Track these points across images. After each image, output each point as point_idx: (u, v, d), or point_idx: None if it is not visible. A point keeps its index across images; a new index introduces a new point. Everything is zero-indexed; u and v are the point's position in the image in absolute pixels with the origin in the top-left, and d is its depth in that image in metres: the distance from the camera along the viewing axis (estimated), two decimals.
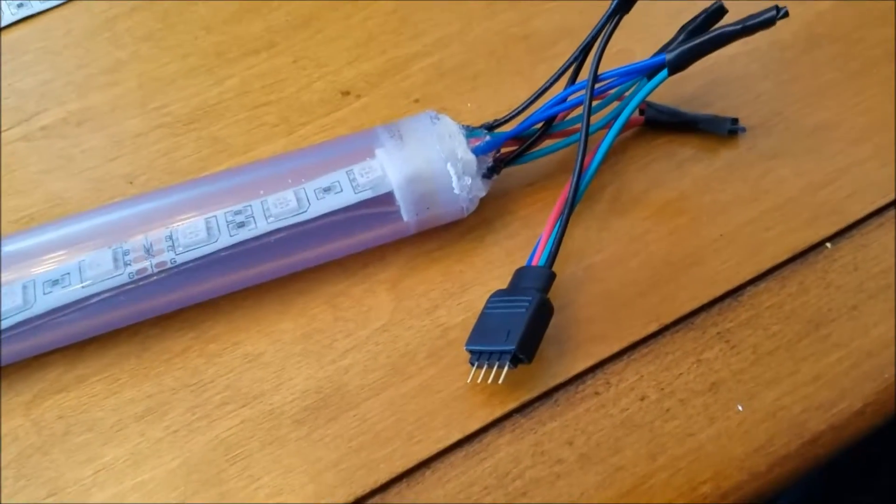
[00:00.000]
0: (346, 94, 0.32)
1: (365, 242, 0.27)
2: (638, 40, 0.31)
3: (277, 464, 0.24)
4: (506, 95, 0.31)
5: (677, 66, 0.26)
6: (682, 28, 0.28)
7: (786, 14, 0.24)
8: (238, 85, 0.33)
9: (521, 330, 0.24)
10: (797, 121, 0.30)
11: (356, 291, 0.27)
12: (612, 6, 0.26)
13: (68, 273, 0.25)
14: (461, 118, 0.31)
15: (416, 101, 0.32)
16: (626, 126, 0.30)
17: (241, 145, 0.31)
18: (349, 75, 0.33)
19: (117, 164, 0.31)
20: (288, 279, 0.27)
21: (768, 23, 0.24)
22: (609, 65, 0.27)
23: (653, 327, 0.26)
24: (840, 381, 0.25)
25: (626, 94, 0.27)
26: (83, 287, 0.25)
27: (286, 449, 0.24)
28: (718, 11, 0.27)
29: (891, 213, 0.28)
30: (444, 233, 0.28)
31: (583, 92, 0.26)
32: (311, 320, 0.27)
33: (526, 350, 0.24)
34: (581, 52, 0.27)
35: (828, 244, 0.27)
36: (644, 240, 0.28)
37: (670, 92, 0.30)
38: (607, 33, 0.26)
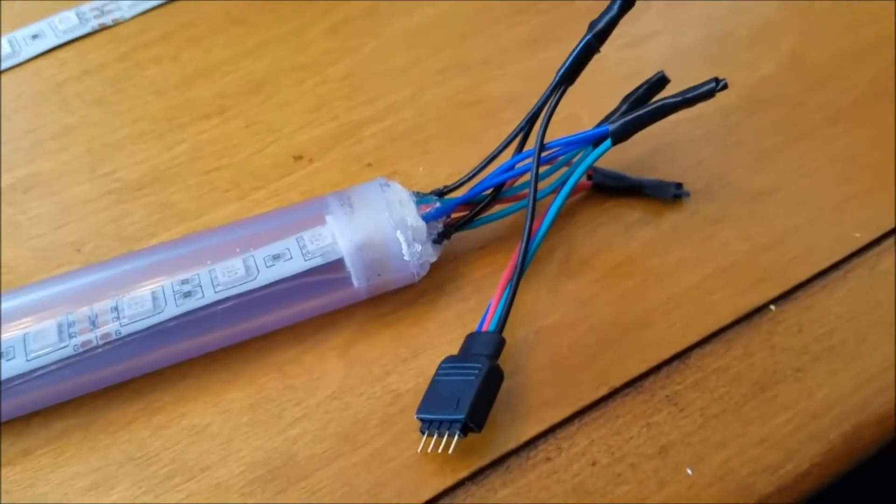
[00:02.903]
0: (298, 158, 0.33)
1: (315, 309, 0.27)
2: (584, 106, 0.31)
3: None
4: (457, 159, 0.31)
5: (620, 136, 0.26)
6: (626, 98, 0.29)
7: (725, 86, 0.25)
8: (189, 150, 0.33)
9: (470, 398, 0.24)
10: (740, 185, 0.31)
11: (307, 358, 0.27)
12: (556, 78, 0.27)
13: (13, 346, 0.25)
14: (413, 182, 0.31)
15: (369, 165, 0.32)
16: (575, 191, 0.30)
17: (192, 210, 0.31)
18: (302, 140, 0.33)
19: (65, 231, 0.31)
20: (237, 347, 0.27)
21: (708, 94, 0.25)
22: (557, 130, 0.28)
23: (603, 391, 0.26)
24: (786, 443, 0.25)
25: (574, 159, 0.28)
26: (28, 360, 0.24)
27: None
28: (660, 82, 0.28)
29: (834, 274, 0.29)
30: (396, 296, 0.28)
31: (530, 160, 0.27)
32: (260, 389, 0.26)
33: (475, 419, 0.24)
34: (528, 121, 0.27)
35: (772, 306, 0.28)
36: (593, 303, 0.28)
37: (617, 157, 0.31)
38: (553, 104, 0.27)
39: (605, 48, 0.35)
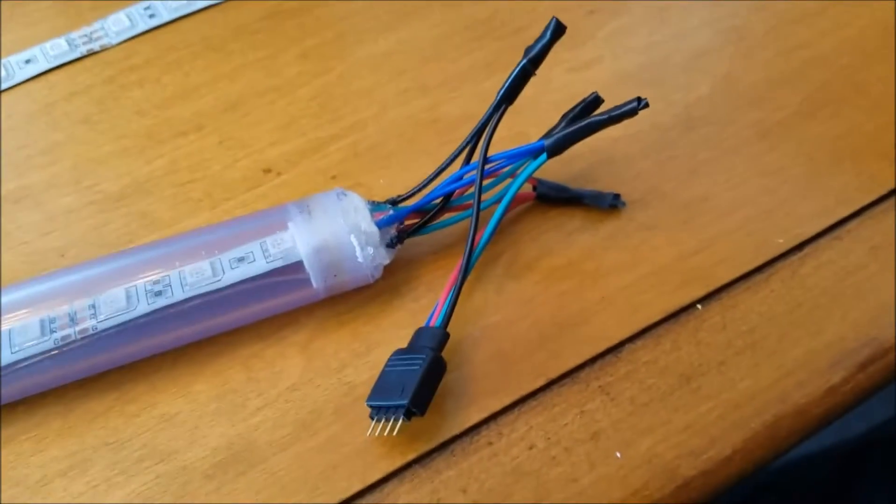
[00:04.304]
0: (267, 171, 0.35)
1: (278, 307, 0.30)
2: (532, 124, 0.34)
3: None
4: (415, 172, 0.34)
5: (555, 150, 0.29)
6: (564, 116, 0.31)
7: (646, 105, 0.28)
8: (167, 164, 0.36)
9: (414, 385, 0.26)
10: (673, 195, 0.33)
11: (269, 353, 0.29)
12: (497, 98, 0.29)
13: None
14: (374, 192, 0.34)
15: (333, 177, 0.35)
16: (520, 201, 0.33)
17: (167, 219, 0.33)
18: (271, 155, 0.36)
19: (50, 238, 0.33)
20: (204, 343, 0.29)
21: (631, 112, 0.28)
22: (507, 145, 0.31)
23: (541, 382, 0.28)
24: (709, 430, 0.27)
25: (517, 172, 0.31)
26: (12, 353, 0.27)
27: (196, 502, 0.26)
28: (595, 101, 0.31)
29: (757, 277, 0.31)
30: (354, 297, 0.31)
31: (476, 172, 0.30)
32: (226, 381, 0.29)
33: (418, 404, 0.26)
34: (474, 135, 0.30)
35: (698, 305, 0.30)
36: (535, 302, 0.30)
37: (562, 170, 0.34)
38: (495, 121, 0.29)
39: (552, 72, 0.38)
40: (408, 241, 0.31)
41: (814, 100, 0.37)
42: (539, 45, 0.29)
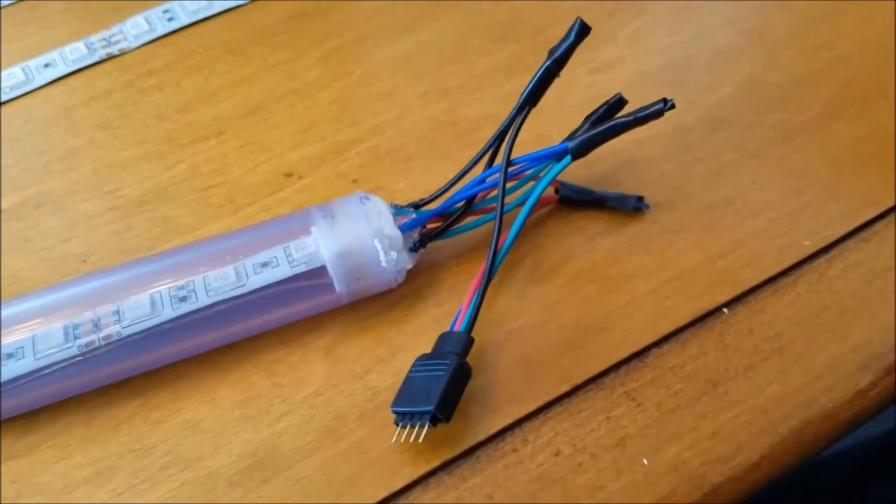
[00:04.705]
0: (288, 175, 0.35)
1: (301, 313, 0.29)
2: (554, 126, 0.34)
3: None
4: (435, 175, 0.34)
5: (579, 152, 0.29)
6: (587, 117, 0.31)
7: (672, 106, 0.28)
8: (188, 169, 0.35)
9: (439, 391, 0.26)
10: (697, 198, 0.33)
11: (293, 359, 0.29)
12: (521, 101, 0.29)
13: (22, 347, 0.27)
14: (394, 196, 0.33)
15: (354, 181, 0.35)
16: (542, 204, 0.33)
17: (189, 225, 0.33)
18: (292, 159, 0.36)
19: (71, 244, 0.33)
20: (228, 349, 0.29)
21: (657, 114, 0.28)
22: (529, 148, 0.30)
23: (566, 387, 0.28)
24: (736, 436, 0.27)
25: (540, 175, 0.30)
26: (36, 360, 0.27)
27: None
28: (619, 103, 0.31)
29: (784, 280, 0.31)
30: (376, 302, 0.30)
31: (499, 174, 0.29)
32: (250, 387, 0.29)
33: (444, 410, 0.26)
34: (496, 138, 0.30)
35: (725, 310, 0.30)
36: (559, 307, 0.30)
37: (585, 172, 0.33)
38: (518, 123, 0.29)
39: (574, 73, 0.37)
40: (430, 245, 0.31)
41: (838, 100, 0.37)
42: (563, 46, 0.28)
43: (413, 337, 0.30)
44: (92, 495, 0.26)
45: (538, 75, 0.29)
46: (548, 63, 0.29)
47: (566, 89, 0.37)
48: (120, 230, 0.33)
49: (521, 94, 0.29)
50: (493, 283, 0.30)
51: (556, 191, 0.33)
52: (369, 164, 0.35)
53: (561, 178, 0.32)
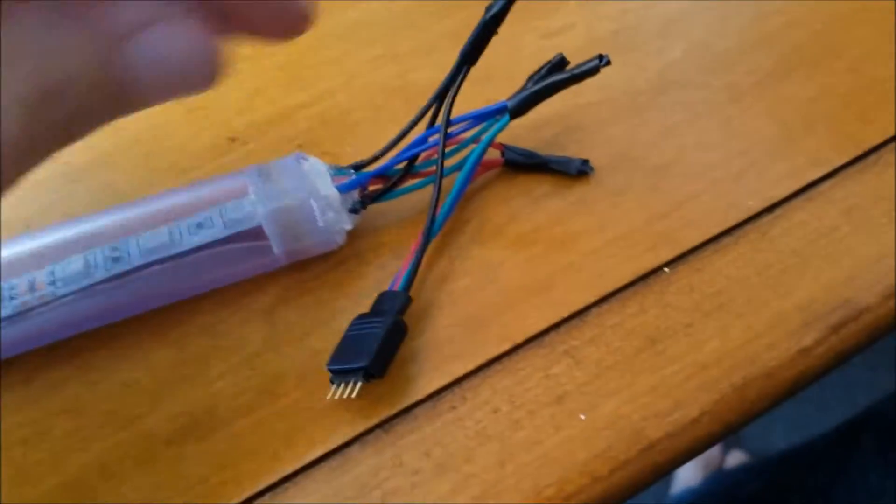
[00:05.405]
0: (233, 140, 0.35)
1: (240, 274, 0.29)
2: (505, 92, 0.33)
3: (147, 480, 0.26)
4: (383, 140, 0.33)
5: (518, 110, 0.29)
6: (530, 77, 0.31)
7: (608, 62, 0.28)
8: (132, 135, 0.35)
9: (374, 348, 0.26)
10: (643, 160, 0.33)
11: (233, 320, 0.29)
12: (459, 58, 0.29)
13: None
14: (340, 160, 0.33)
15: (300, 145, 0.34)
16: (488, 167, 0.33)
17: (133, 190, 0.33)
18: (238, 124, 0.35)
19: (17, 210, 0.33)
20: (168, 310, 0.29)
21: (593, 70, 0.28)
22: None
23: (506, 346, 0.28)
24: (675, 392, 0.27)
25: (482, 137, 0.30)
26: None
27: (157, 467, 0.26)
28: (560, 63, 0.30)
29: (726, 240, 0.31)
30: (318, 264, 0.30)
31: (439, 135, 0.29)
32: (188, 347, 0.28)
33: (377, 366, 0.26)
34: (436, 97, 0.30)
35: (666, 269, 0.30)
36: (501, 268, 0.30)
37: (533, 136, 0.33)
38: (458, 82, 0.29)
39: (524, 39, 0.37)
40: (374, 209, 0.31)
41: (787, 63, 0.36)
42: (501, 2, 0.28)
43: (355, 299, 0.30)
44: (27, 454, 0.26)
45: (476, 32, 0.29)
46: (485, 18, 0.28)
47: (516, 56, 0.36)
48: (64, 196, 0.33)
49: (460, 52, 0.29)
50: (436, 244, 0.30)
51: (502, 154, 0.32)
52: (316, 129, 0.35)
53: (507, 142, 0.32)
